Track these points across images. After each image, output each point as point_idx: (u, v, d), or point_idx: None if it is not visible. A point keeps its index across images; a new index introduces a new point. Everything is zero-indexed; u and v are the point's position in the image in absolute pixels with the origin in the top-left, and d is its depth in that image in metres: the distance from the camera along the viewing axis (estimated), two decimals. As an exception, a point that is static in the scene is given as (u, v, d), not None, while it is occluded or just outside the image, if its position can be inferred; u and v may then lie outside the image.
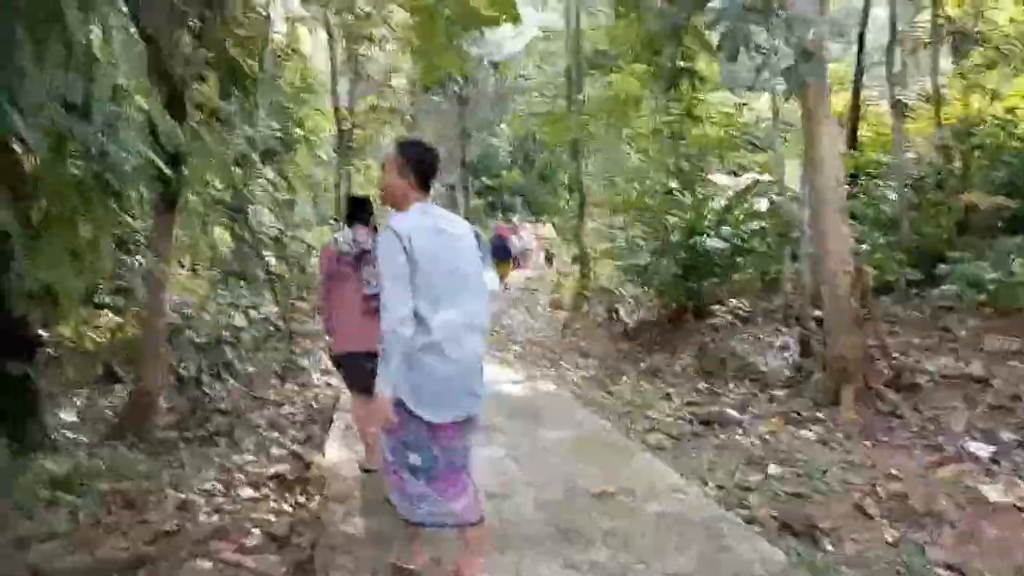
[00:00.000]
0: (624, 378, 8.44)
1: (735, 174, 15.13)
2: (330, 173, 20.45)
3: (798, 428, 5.13)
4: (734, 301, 8.28)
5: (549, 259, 24.75)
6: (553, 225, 24.38)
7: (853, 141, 11.83)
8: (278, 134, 16.25)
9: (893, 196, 9.97)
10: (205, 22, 10.82)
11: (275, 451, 6.16)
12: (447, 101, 26.25)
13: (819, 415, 5.30)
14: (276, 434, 6.84)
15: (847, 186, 10.52)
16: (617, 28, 13.81)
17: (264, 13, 15.89)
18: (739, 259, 10.60)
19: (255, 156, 14.86)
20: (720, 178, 13.96)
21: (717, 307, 8.91)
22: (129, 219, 8.23)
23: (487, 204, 35.88)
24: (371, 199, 5.44)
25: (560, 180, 21.18)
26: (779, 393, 6.34)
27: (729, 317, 7.96)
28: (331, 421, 6.74)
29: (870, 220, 9.71)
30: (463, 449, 3.21)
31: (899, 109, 9.65)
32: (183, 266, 11.39)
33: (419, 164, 3.16)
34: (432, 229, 3.03)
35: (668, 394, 6.59)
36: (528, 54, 22.61)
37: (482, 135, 34.17)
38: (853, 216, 9.90)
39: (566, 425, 5.70)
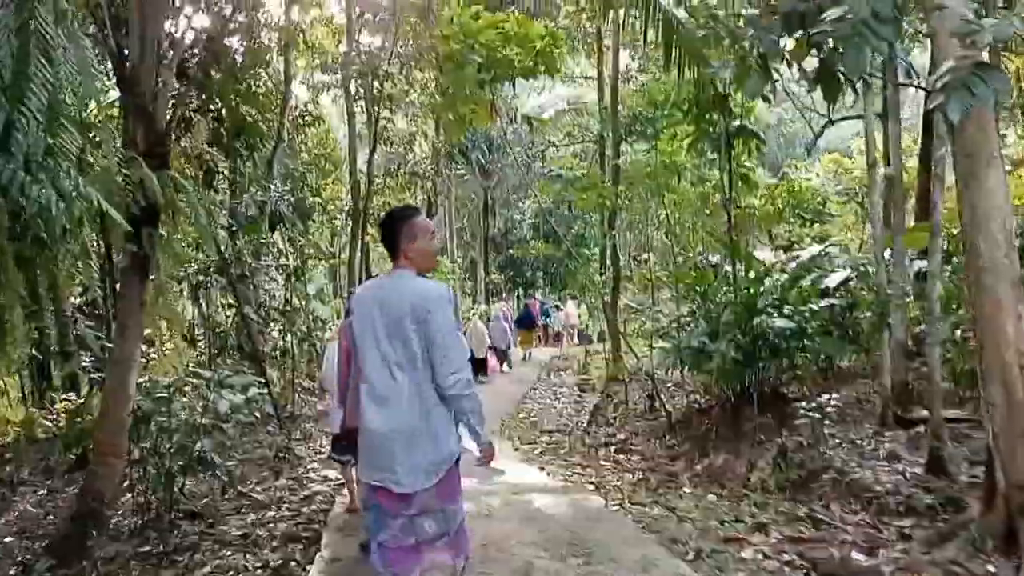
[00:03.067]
0: (683, 487, 6.90)
1: (784, 249, 13.83)
2: (347, 244, 19.41)
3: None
4: (826, 396, 6.83)
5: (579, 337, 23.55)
6: (577, 301, 23.09)
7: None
8: (291, 199, 15.24)
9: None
10: (207, 71, 9.88)
11: (237, 588, 4.68)
12: (470, 172, 25.37)
13: (992, 568, 3.76)
14: (247, 557, 5.34)
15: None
16: (656, 88, 12.75)
17: (282, 76, 15.18)
18: (807, 343, 9.12)
19: (263, 222, 13.86)
20: (763, 253, 12.67)
21: (801, 403, 7.41)
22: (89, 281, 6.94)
23: (508, 279, 34.74)
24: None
25: (589, 253, 19.94)
26: (904, 524, 4.80)
27: (812, 414, 6.48)
28: (318, 549, 5.24)
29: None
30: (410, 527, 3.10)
31: None
32: (161, 342, 10.07)
33: (381, 231, 3.34)
34: (370, 298, 3.23)
35: (760, 523, 5.05)
36: (555, 124, 21.76)
37: (505, 210, 33.27)
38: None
39: (628, 568, 4.19)
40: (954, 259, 9.34)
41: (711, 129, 9.59)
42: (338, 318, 17.90)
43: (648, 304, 18.26)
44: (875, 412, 7.42)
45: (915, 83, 5.85)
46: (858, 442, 6.43)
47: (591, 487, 7.05)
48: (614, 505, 5.89)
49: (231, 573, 5.01)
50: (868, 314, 9.95)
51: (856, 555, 4.21)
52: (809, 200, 13.84)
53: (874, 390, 7.88)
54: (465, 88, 9.89)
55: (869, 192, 7.64)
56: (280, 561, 5.15)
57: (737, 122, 10.01)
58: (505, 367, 18.58)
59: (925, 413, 6.62)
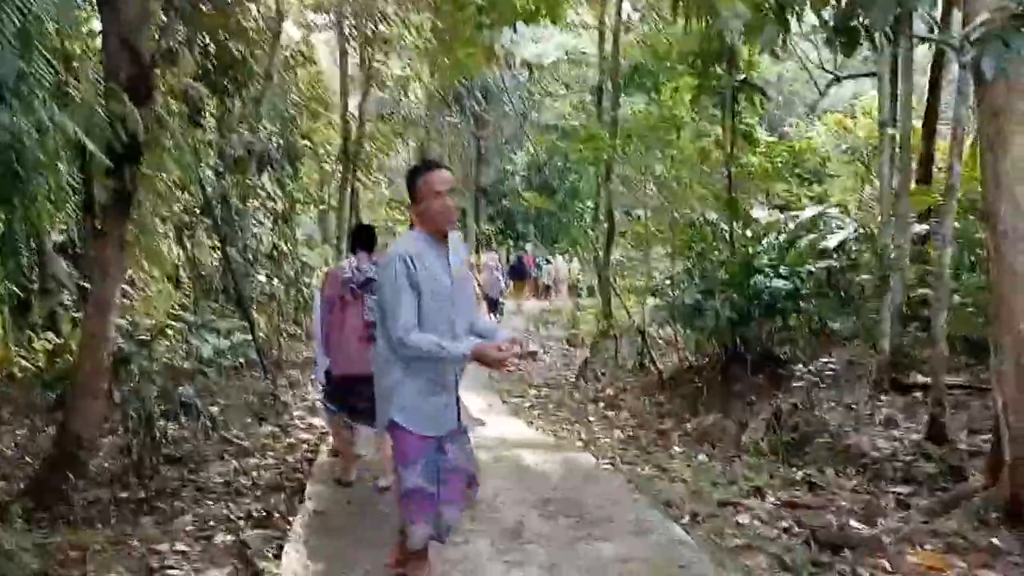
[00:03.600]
0: (674, 446, 6.81)
1: (780, 209, 13.64)
2: (336, 189, 19.05)
3: (975, 566, 3.47)
4: (825, 358, 6.70)
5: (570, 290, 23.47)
6: (572, 255, 22.89)
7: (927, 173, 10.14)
8: (280, 141, 14.87)
9: None
10: (194, 2, 9.45)
11: (219, 538, 4.54)
12: (464, 120, 24.88)
13: (997, 542, 3.65)
14: (229, 506, 5.22)
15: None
16: (659, 38, 12.40)
17: (274, 12, 14.65)
18: (803, 304, 9.00)
19: (251, 164, 13.51)
20: (759, 212, 12.47)
21: (794, 365, 7.30)
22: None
23: (498, 231, 34.46)
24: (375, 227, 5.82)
25: (582, 207, 19.70)
26: (902, 491, 4.71)
27: (814, 378, 6.37)
28: (301, 500, 5.10)
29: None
30: None
31: None
32: (144, 283, 9.83)
33: None
34: None
35: (756, 487, 4.93)
36: (553, 73, 21.24)
37: (497, 160, 32.82)
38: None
39: (623, 531, 4.06)
40: (955, 223, 9.19)
41: (715, 83, 9.31)
42: (326, 264, 17.68)
43: (640, 260, 18.16)
44: (870, 376, 7.32)
45: (939, 37, 5.60)
46: (854, 407, 6.33)
47: (580, 444, 6.96)
48: (606, 464, 5.79)
49: (212, 523, 4.87)
50: (865, 277, 9.84)
51: (854, 523, 4.11)
52: (809, 159, 13.60)
53: (869, 354, 7.77)
54: (463, 31, 9.51)
55: (879, 152, 7.43)
56: (263, 512, 5.03)
57: (742, 76, 9.75)
58: (495, 317, 18.45)
59: (922, 379, 6.53)
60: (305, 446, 7.54)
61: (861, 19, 4.58)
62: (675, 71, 11.66)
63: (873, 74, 10.18)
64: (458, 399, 3.31)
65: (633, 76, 14.07)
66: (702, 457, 6.25)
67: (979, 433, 5.24)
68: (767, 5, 5.08)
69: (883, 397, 6.43)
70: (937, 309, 5.58)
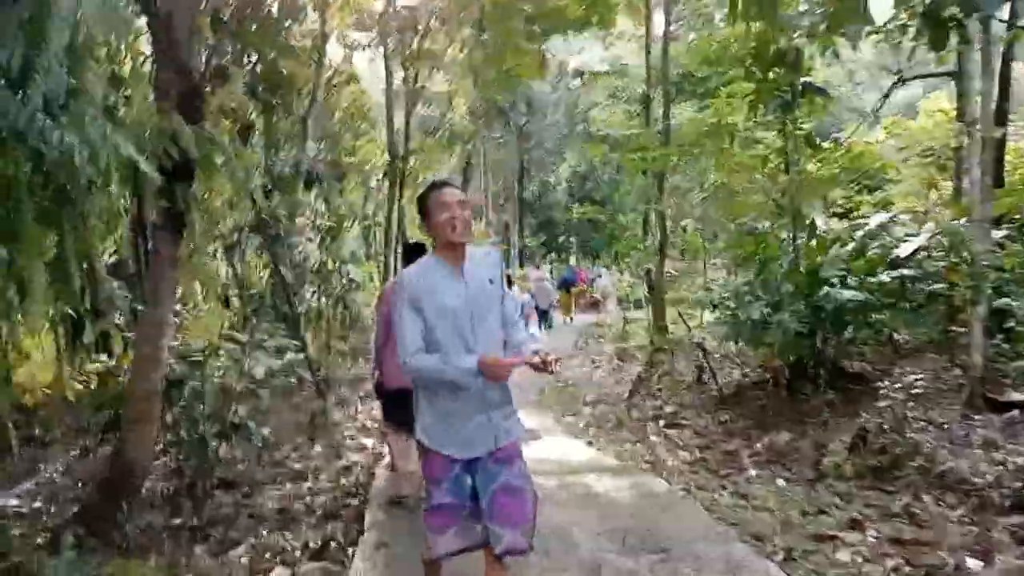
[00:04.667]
0: (747, 469, 6.41)
1: (840, 217, 13.16)
2: (382, 205, 18.98)
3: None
4: (913, 375, 6.27)
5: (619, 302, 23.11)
6: (621, 268, 22.53)
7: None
8: (327, 159, 14.85)
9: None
10: (241, 21, 9.40)
11: (276, 572, 4.31)
12: (508, 133, 24.71)
13: None
14: (285, 536, 5.00)
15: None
16: (708, 44, 12.06)
17: (317, 31, 14.65)
18: (875, 316, 8.53)
19: (298, 181, 13.48)
20: (818, 221, 12.00)
21: (867, 380, 6.85)
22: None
23: (541, 244, 34.26)
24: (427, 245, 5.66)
25: (629, 219, 19.34)
26: (1014, 521, 4.28)
27: (897, 394, 5.92)
28: (360, 531, 4.85)
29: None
30: None
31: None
32: (195, 303, 9.75)
33: None
34: None
35: (853, 518, 4.53)
36: (597, 84, 20.96)
37: (539, 173, 32.64)
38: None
39: (713, 569, 3.71)
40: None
41: (776, 86, 8.93)
42: (371, 281, 17.61)
43: (690, 272, 17.72)
44: (955, 392, 6.86)
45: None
46: (945, 426, 5.88)
47: (647, 466, 6.61)
48: (679, 489, 5.43)
49: (268, 554, 4.65)
50: (938, 286, 9.34)
51: (969, 561, 3.72)
52: (869, 165, 13.08)
53: (957, 368, 7.30)
54: (512, 41, 9.29)
55: (967, 153, 6.99)
56: (320, 542, 4.79)
57: (804, 78, 9.36)
58: (544, 330, 18.18)
59: (1018, 396, 6.07)
60: (359, 468, 7.34)
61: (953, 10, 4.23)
62: (727, 77, 11.28)
63: (943, 74, 9.73)
64: (513, 412, 3.22)
65: (683, 84, 13.72)
66: (781, 482, 5.85)
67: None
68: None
69: (977, 416, 5.97)
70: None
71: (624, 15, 14.88)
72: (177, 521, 5.61)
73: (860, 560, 3.89)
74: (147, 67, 8.06)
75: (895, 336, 9.46)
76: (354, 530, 5.00)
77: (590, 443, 7.85)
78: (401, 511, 5.16)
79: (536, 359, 2.99)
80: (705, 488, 5.54)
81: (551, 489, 5.27)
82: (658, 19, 15.55)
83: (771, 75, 9.25)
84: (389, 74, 15.81)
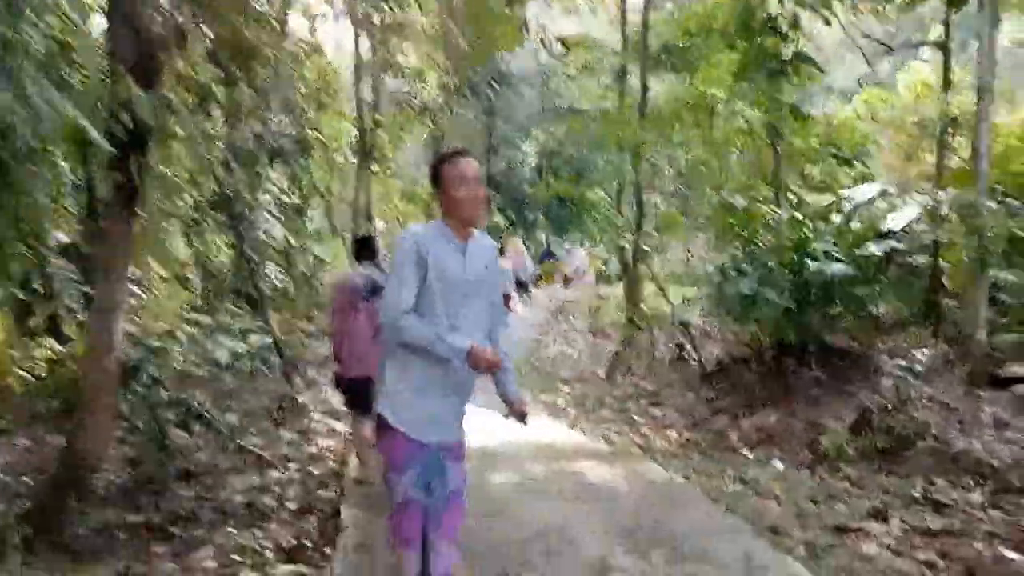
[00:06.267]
0: (742, 450, 6.14)
1: (819, 191, 12.95)
2: (348, 181, 18.37)
3: None
4: (914, 351, 6.01)
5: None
6: (596, 243, 22.27)
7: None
8: (292, 133, 14.24)
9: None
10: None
11: (244, 576, 3.91)
12: (477, 108, 24.15)
13: None
14: (253, 534, 4.59)
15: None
16: (690, 14, 11.72)
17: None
18: (864, 289, 8.31)
19: (262, 156, 12.92)
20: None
21: (876, 358, 6.57)
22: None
23: (510, 221, 33.84)
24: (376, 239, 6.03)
25: (602, 195, 19.01)
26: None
27: (894, 371, 5.68)
28: (337, 528, 4.45)
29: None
30: None
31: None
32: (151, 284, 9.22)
33: None
34: None
35: (874, 507, 4.22)
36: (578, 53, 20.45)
37: (507, 149, 32.15)
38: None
39: (731, 570, 3.39)
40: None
41: (765, 56, 8.62)
42: (336, 258, 17.09)
43: (671, 247, 17.46)
44: (948, 367, 6.65)
45: None
46: (951, 405, 5.64)
47: (638, 451, 6.30)
48: (679, 476, 5.11)
49: (235, 555, 4.24)
50: (922, 259, 9.16)
51: (1008, 552, 3.45)
52: (849, 138, 12.88)
53: (944, 342, 7.10)
54: (488, 6, 8.80)
55: (977, 122, 6.73)
56: (294, 541, 4.40)
57: (792, 47, 9.05)
58: (526, 296, 18.33)
59: (1022, 371, 5.86)
60: (330, 455, 6.95)
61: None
62: (709, 48, 10.95)
63: (932, 43, 9.50)
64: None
65: (661, 56, 13.34)
66: (778, 464, 5.57)
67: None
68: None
69: (982, 393, 5.73)
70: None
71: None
72: (135, 518, 5.18)
73: (888, 554, 3.60)
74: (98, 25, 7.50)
75: (874, 311, 9.28)
76: (330, 527, 4.62)
77: (573, 425, 7.51)
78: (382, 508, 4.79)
79: (517, 407, 3.01)
80: (705, 473, 5.23)
81: (544, 478, 4.93)
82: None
83: (758, 43, 8.94)
84: (357, 44, 15.17)
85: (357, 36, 15.16)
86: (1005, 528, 3.79)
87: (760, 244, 9.23)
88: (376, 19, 14.78)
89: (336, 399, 8.84)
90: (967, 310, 6.84)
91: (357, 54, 15.42)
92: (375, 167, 17.44)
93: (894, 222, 8.03)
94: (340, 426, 7.96)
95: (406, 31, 14.61)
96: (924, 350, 7.71)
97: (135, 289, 8.05)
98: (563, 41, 15.20)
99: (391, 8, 13.91)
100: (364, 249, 5.68)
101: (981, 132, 6.64)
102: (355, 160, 17.29)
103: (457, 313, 2.85)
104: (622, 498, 4.57)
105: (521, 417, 3.03)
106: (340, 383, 5.69)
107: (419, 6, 13.44)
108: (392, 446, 2.81)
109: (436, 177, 2.98)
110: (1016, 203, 8.23)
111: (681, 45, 11.75)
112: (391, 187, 21.36)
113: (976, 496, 4.35)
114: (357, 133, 16.46)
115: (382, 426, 2.83)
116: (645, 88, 12.50)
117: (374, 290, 5.26)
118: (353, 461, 6.06)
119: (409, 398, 2.82)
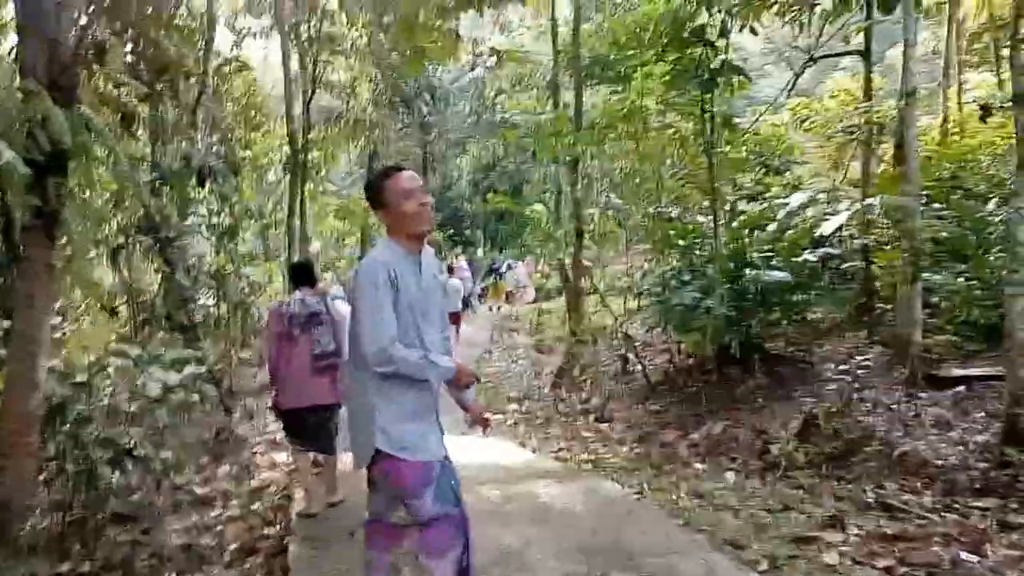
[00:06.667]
0: (693, 462, 6.13)
1: (749, 199, 13.20)
2: (282, 201, 17.96)
3: None
4: (860, 355, 6.10)
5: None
6: (538, 258, 22.26)
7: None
8: (221, 151, 13.83)
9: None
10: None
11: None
12: (413, 124, 23.93)
13: None
14: (195, 578, 4.34)
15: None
16: (619, 25, 11.80)
17: (205, 14, 13.62)
18: (802, 295, 8.47)
19: (190, 177, 12.50)
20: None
21: (795, 362, 6.68)
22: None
23: (448, 237, 33.69)
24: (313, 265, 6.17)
25: (541, 209, 19.05)
26: (985, 505, 4.09)
27: (838, 375, 5.75)
28: (284, 566, 4.23)
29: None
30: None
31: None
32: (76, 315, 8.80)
33: None
34: None
35: (832, 515, 4.20)
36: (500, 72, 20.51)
37: (443, 165, 32.04)
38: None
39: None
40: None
41: (695, 66, 8.72)
42: (271, 283, 16.67)
43: (606, 261, 17.56)
44: (887, 370, 6.79)
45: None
46: (892, 407, 5.73)
47: (589, 467, 6.23)
48: (633, 492, 5.05)
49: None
50: (855, 264, 9.37)
51: (965, 555, 3.47)
52: (777, 146, 13.20)
53: (879, 345, 7.25)
54: (422, 17, 8.70)
55: (905, 127, 6.90)
56: (239, 589, 4.17)
57: (720, 57, 9.19)
58: (470, 312, 18.40)
59: (959, 372, 6.01)
60: (272, 488, 6.68)
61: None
62: (642, 59, 11.07)
63: (853, 52, 9.76)
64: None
65: (593, 69, 13.44)
66: (730, 476, 5.57)
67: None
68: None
69: (922, 395, 5.84)
70: (1013, 294, 4.97)
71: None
72: (64, 568, 4.85)
73: (850, 563, 3.59)
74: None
75: (811, 316, 9.46)
76: (276, 565, 4.39)
77: (523, 444, 7.42)
78: (337, 544, 4.55)
79: (477, 415, 3.13)
80: (658, 488, 5.18)
81: (496, 502, 4.80)
82: (563, 1, 15.31)
83: (688, 54, 9.05)
84: (287, 60, 14.87)
85: (286, 51, 14.85)
86: (959, 530, 3.83)
87: (699, 254, 9.34)
88: (304, 32, 14.56)
89: (277, 429, 8.58)
90: (902, 312, 6.99)
91: (286, 69, 15.11)
92: (309, 186, 17.12)
93: (826, 228, 8.18)
94: (282, 458, 7.68)
95: (336, 44, 14.39)
96: (863, 353, 7.86)
97: (59, 320, 7.65)
98: (496, 53, 15.21)
99: (319, 21, 13.70)
100: (301, 275, 5.59)
101: (908, 137, 6.81)
102: (288, 179, 16.92)
103: (422, 331, 2.85)
104: (579, 518, 4.48)
105: (483, 424, 3.12)
106: (279, 413, 5.56)
107: (346, 19, 13.24)
108: (402, 476, 2.79)
109: (378, 196, 2.92)
110: (938, 206, 8.52)
111: (612, 57, 11.83)
112: (327, 205, 21.03)
113: (928, 499, 4.40)
114: (289, 151, 16.13)
115: (383, 459, 2.79)
116: (579, 100, 12.59)
117: (311, 317, 5.21)
118: (298, 494, 5.83)
119: (406, 426, 2.80)
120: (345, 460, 4.91)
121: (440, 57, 11.29)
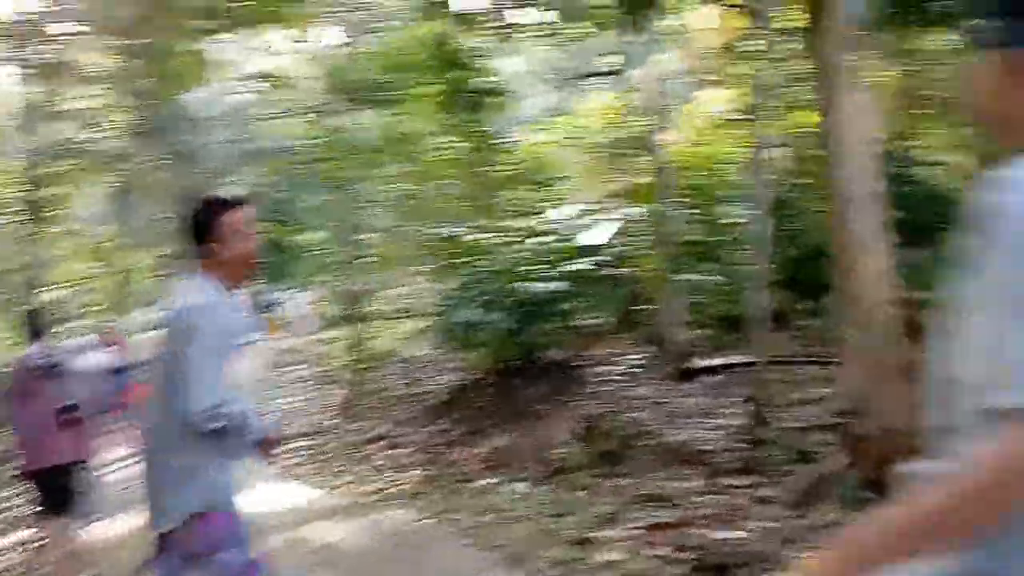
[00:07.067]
0: (484, 479, 6.13)
1: (523, 215, 13.68)
2: (18, 245, 15.94)
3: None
4: (624, 356, 6.41)
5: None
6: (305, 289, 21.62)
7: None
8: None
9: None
10: None
11: None
12: (173, 155, 22.27)
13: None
14: None
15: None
16: (385, 50, 11.84)
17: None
18: (573, 303, 8.85)
19: None
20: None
21: (573, 368, 6.95)
22: None
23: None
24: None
25: (312, 236, 18.56)
26: (745, 482, 4.43)
27: (608, 376, 6.04)
28: None
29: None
30: None
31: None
32: None
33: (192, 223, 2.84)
34: None
35: (604, 512, 4.32)
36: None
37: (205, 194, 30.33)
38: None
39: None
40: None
41: (461, 89, 8.93)
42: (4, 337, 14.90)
43: (387, 284, 17.39)
44: (654, 368, 7.25)
45: None
46: (659, 402, 6.10)
47: (380, 498, 6.05)
48: (424, 518, 4.92)
49: None
50: (621, 270, 9.97)
51: (721, 532, 3.70)
52: (539, 164, 13.78)
53: (649, 344, 7.74)
54: (175, 42, 8.09)
55: (655, 140, 7.42)
56: None
57: (480, 79, 9.48)
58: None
59: (703, 362, 6.55)
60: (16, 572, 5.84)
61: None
62: (409, 82, 11.17)
63: (612, 73, 10.43)
64: None
65: (363, 92, 13.35)
66: (520, 486, 5.64)
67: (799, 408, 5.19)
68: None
69: (682, 387, 6.28)
70: (757, 287, 5.44)
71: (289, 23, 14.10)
72: None
73: (628, 557, 3.71)
74: None
75: (587, 323, 9.93)
76: None
77: (313, 484, 7.08)
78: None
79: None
80: (450, 509, 5.12)
81: (280, 551, 4.49)
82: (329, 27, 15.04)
83: (451, 76, 9.24)
84: (24, 91, 13.33)
85: (23, 81, 13.35)
86: (720, 510, 4.11)
87: (478, 270, 9.49)
88: (38, 60, 13.17)
89: (19, 501, 7.54)
90: (663, 312, 7.50)
91: (23, 101, 13.57)
92: (50, 227, 15.41)
93: (594, 238, 8.63)
94: (26, 535, 6.72)
95: (76, 72, 13.12)
96: (634, 354, 8.35)
97: None
98: (264, 78, 14.61)
99: (54, 49, 12.44)
100: (36, 324, 5.41)
101: (659, 150, 7.35)
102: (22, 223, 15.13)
103: (234, 376, 2.65)
104: (369, 555, 4.29)
105: (272, 448, 2.85)
106: (27, 476, 5.19)
107: (94, 44, 12.13)
108: (217, 530, 2.59)
109: (209, 229, 2.68)
110: (689, 212, 9.30)
111: (381, 81, 11.81)
112: (72, 247, 19.05)
113: (696, 484, 4.71)
114: (25, 188, 14.44)
115: (199, 517, 2.56)
116: (350, 124, 12.41)
117: (51, 369, 4.99)
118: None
119: (218, 477, 2.64)
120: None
121: (193, 82, 10.60)
